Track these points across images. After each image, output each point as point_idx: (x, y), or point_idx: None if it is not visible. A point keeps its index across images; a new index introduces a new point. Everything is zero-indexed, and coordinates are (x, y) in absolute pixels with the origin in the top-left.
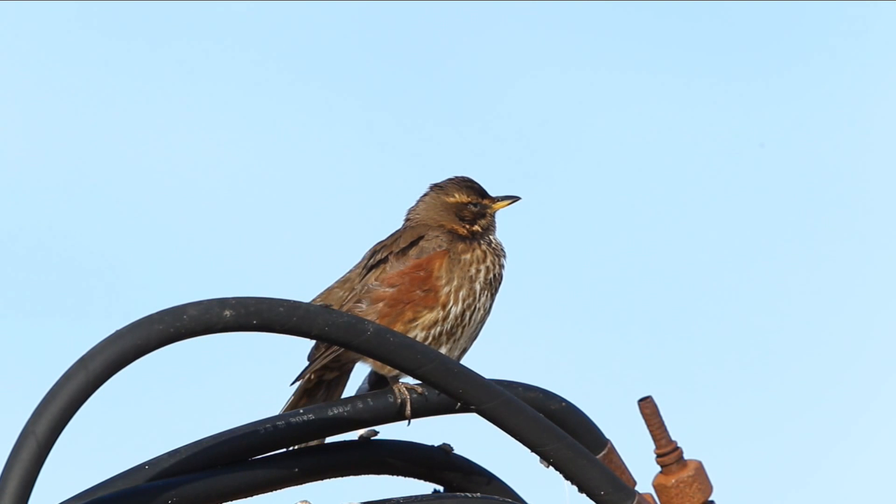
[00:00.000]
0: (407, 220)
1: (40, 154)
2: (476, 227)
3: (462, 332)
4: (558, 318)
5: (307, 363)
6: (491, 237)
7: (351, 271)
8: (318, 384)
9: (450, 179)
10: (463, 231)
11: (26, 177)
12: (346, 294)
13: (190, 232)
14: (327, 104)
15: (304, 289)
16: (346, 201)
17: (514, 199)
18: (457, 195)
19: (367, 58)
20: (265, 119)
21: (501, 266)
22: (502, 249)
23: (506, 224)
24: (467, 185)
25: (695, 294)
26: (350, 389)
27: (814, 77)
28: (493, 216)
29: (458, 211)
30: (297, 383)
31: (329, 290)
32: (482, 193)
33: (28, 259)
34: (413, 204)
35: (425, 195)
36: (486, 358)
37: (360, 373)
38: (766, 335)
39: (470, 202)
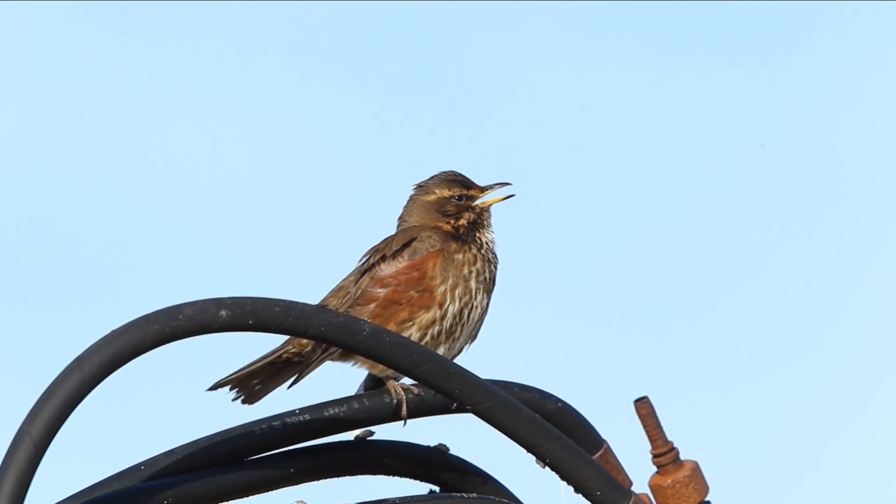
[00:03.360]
0: (399, 225)
1: (42, 153)
2: (462, 222)
3: (461, 331)
4: (555, 318)
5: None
6: (483, 238)
7: (345, 279)
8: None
9: (431, 177)
10: (448, 227)
11: (27, 174)
12: (341, 301)
13: (188, 231)
14: (327, 104)
15: (302, 289)
16: (345, 202)
17: (504, 185)
18: (437, 191)
19: (366, 58)
20: (265, 119)
21: (492, 272)
22: (495, 256)
23: (504, 223)
24: (448, 178)
25: (692, 294)
26: (333, 381)
27: (815, 77)
28: (484, 211)
29: (440, 207)
30: (294, 382)
31: (324, 301)
32: (467, 185)
33: (26, 256)
34: (402, 210)
35: (409, 198)
36: (482, 358)
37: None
38: (764, 336)
39: (452, 196)
